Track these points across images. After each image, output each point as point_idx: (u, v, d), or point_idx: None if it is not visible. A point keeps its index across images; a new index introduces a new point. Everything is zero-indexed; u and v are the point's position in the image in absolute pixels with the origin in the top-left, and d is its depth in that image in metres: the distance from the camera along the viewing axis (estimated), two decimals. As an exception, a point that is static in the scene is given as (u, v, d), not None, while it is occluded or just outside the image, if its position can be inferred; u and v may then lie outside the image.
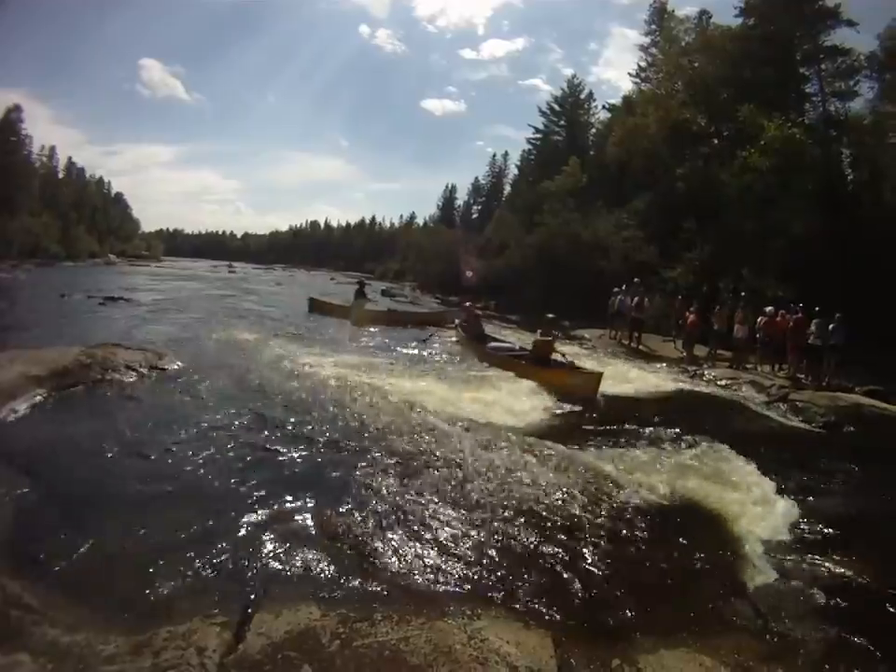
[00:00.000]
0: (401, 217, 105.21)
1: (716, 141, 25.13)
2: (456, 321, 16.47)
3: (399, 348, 13.35)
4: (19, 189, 54.33)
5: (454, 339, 15.24)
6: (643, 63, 33.98)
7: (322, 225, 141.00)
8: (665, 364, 14.41)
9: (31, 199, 57.04)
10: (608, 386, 10.63)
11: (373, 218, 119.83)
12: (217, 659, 2.61)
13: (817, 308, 12.88)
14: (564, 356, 10.97)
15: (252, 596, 3.25)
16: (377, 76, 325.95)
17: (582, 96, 44.16)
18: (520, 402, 8.63)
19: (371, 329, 16.43)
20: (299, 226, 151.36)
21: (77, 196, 71.41)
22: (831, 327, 12.39)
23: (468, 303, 16.80)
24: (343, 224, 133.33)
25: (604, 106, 41.29)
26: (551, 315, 12.24)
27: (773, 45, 22.55)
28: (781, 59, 22.50)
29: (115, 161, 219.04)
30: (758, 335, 13.97)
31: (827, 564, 4.33)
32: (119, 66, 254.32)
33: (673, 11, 31.97)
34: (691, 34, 29.34)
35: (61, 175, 71.93)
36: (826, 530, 5.01)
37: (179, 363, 8.95)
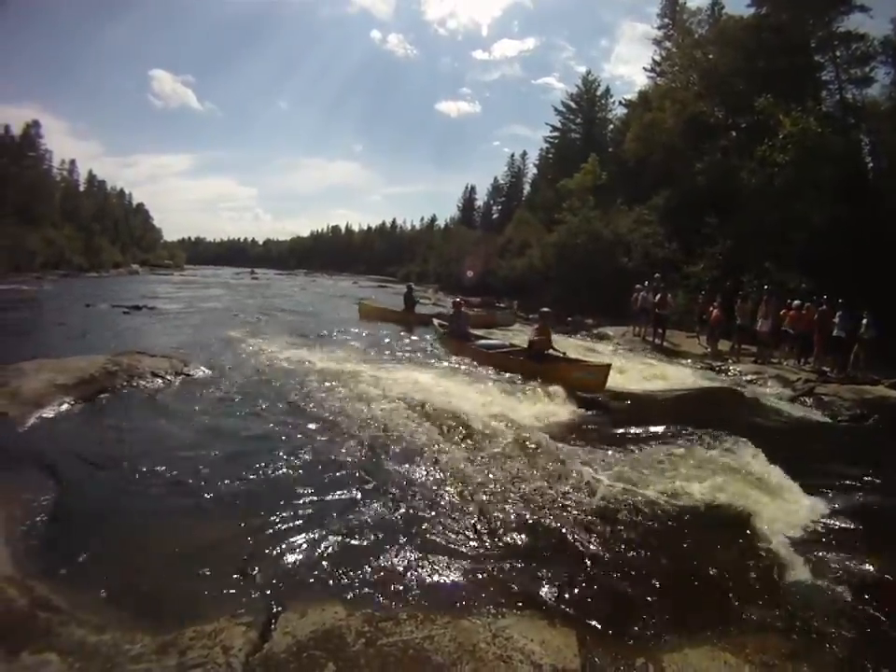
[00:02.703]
0: (422, 219, 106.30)
1: (734, 133, 24.92)
2: (435, 321, 16.00)
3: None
4: (40, 202, 55.30)
5: (433, 337, 14.83)
6: (657, 58, 33.82)
7: (343, 230, 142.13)
8: (689, 360, 14.29)
9: (52, 212, 58.08)
10: (632, 383, 10.57)
11: (394, 221, 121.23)
12: (242, 658, 2.63)
13: (840, 300, 12.74)
14: (564, 353, 10.59)
15: (278, 597, 3.27)
16: (390, 79, 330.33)
17: (598, 93, 44.03)
18: (530, 402, 8.55)
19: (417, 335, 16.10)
20: (319, 231, 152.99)
21: (99, 208, 72.48)
22: (864, 321, 12.26)
23: (457, 299, 16.58)
24: (364, 228, 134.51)
25: (620, 102, 41.16)
26: (545, 309, 11.86)
27: (786, 33, 22.34)
28: (795, 47, 22.27)
29: (132, 172, 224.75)
30: (784, 328, 13.83)
31: (854, 561, 4.23)
32: (129, 78, 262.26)
33: (685, 3, 31.78)
34: (704, 25, 29.19)
35: (82, 188, 73.08)
36: (853, 526, 4.90)
37: (205, 370, 9.03)
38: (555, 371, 9.84)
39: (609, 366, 9.73)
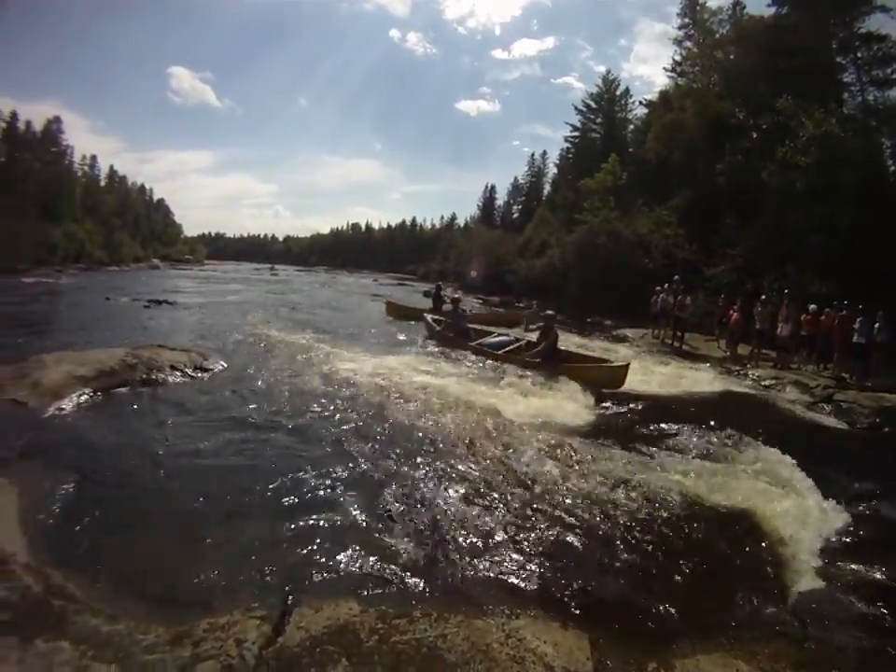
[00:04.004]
0: (442, 217, 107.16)
1: (755, 134, 24.66)
2: (427, 316, 15.72)
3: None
4: (61, 197, 55.92)
5: (426, 335, 14.56)
6: (678, 58, 33.39)
7: (363, 227, 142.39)
8: (708, 364, 14.08)
9: (74, 207, 58.66)
10: (650, 386, 10.48)
11: (414, 220, 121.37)
12: (255, 651, 2.65)
13: (861, 306, 12.56)
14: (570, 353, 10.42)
15: (293, 592, 3.28)
16: (410, 78, 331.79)
17: (618, 92, 43.69)
18: (544, 401, 8.51)
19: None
20: (339, 228, 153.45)
21: (120, 203, 73.22)
22: (876, 325, 12.06)
23: (456, 296, 16.46)
24: (384, 226, 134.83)
25: (641, 102, 40.80)
26: (550, 312, 11.67)
27: (807, 33, 22.05)
28: (816, 48, 21.98)
29: (152, 168, 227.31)
30: (802, 333, 13.66)
31: (871, 570, 4.18)
32: (148, 75, 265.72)
33: (705, 3, 31.40)
34: (725, 25, 28.95)
35: (103, 184, 73.73)
36: (869, 535, 4.83)
37: (224, 364, 9.13)
38: (572, 370, 9.76)
39: (627, 365, 9.72)
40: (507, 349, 11.46)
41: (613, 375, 9.58)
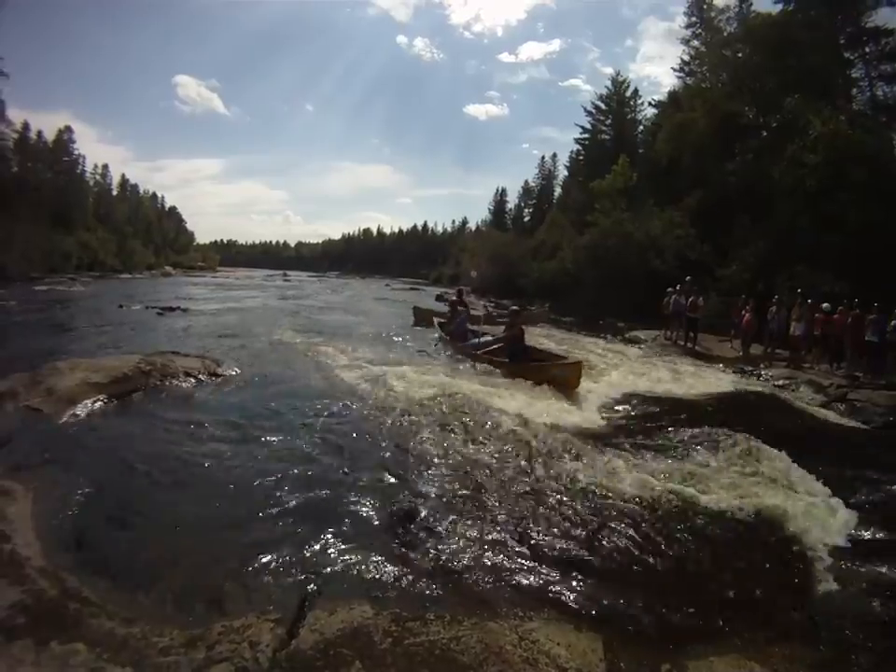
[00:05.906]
0: (453, 222, 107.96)
1: (765, 133, 24.54)
2: (435, 320, 15.94)
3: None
4: (74, 206, 56.59)
5: (435, 338, 14.62)
6: (686, 57, 33.26)
7: (375, 232, 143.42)
8: (721, 364, 14.01)
9: (86, 215, 59.35)
10: (662, 387, 10.41)
11: (425, 224, 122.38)
12: (269, 653, 2.67)
13: (875, 304, 12.45)
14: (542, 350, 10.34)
15: (307, 595, 3.29)
16: (418, 84, 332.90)
17: (628, 93, 43.55)
18: (557, 403, 8.43)
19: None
20: (351, 234, 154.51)
21: (132, 211, 73.90)
22: (893, 322, 11.96)
23: (454, 298, 16.52)
24: (396, 230, 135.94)
25: (650, 103, 40.66)
26: (515, 307, 11.71)
27: (815, 30, 21.99)
28: (825, 44, 21.93)
29: (161, 176, 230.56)
30: (815, 333, 13.56)
31: (887, 571, 4.12)
32: (154, 84, 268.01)
33: (712, 1, 31.27)
34: (732, 23, 28.87)
35: (115, 192, 74.47)
36: (885, 534, 4.76)
37: (237, 370, 9.14)
38: (529, 369, 9.64)
39: (580, 363, 9.44)
40: (488, 349, 11.41)
41: (567, 374, 9.18)
